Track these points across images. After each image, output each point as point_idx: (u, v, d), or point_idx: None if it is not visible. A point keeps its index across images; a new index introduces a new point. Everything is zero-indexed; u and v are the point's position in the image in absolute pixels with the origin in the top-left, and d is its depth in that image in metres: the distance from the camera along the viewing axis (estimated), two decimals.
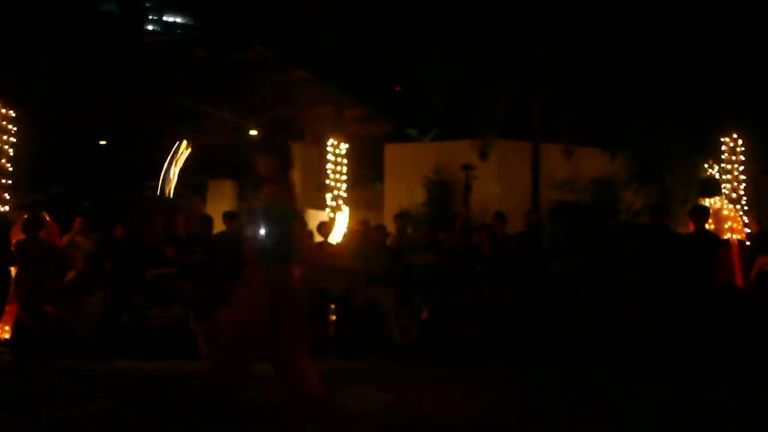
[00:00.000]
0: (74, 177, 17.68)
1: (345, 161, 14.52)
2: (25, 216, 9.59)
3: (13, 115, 11.19)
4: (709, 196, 12.17)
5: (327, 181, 14.19)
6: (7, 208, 10.98)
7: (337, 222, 13.42)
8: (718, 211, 11.28)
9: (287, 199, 4.88)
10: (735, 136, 13.52)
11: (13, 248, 9.03)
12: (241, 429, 4.67)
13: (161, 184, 5.40)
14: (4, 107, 11.05)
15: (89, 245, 9.56)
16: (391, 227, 10.85)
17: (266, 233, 4.76)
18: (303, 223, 5.15)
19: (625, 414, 5.26)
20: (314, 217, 13.07)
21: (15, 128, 11.23)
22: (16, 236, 9.24)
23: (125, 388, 6.53)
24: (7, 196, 11.05)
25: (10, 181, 11.11)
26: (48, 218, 9.87)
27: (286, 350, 4.70)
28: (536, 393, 6.19)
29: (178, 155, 5.59)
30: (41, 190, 15.13)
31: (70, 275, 9.11)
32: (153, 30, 57.22)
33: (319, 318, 9.54)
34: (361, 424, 4.82)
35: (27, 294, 8.77)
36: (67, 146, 15.63)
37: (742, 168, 13.44)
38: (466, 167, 11.45)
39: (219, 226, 9.98)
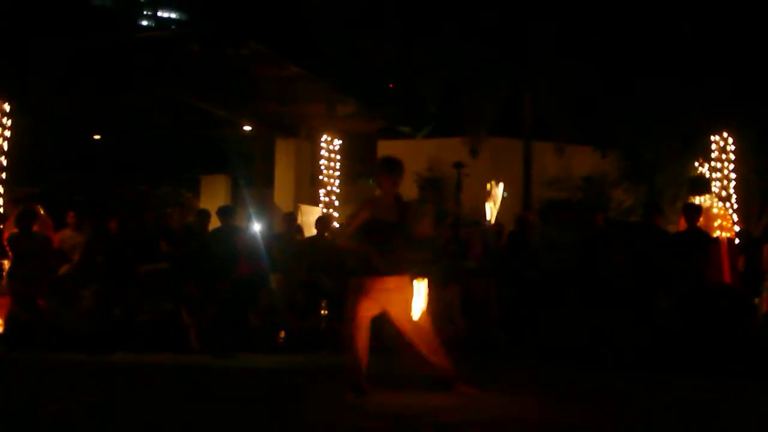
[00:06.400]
0: (67, 171, 17.65)
1: (338, 157, 14.57)
2: (19, 209, 9.58)
3: (7, 108, 11.18)
4: (699, 195, 12.27)
5: (320, 177, 14.23)
6: (0, 201, 10.96)
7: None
8: (708, 209, 11.37)
9: (394, 213, 5.49)
10: (725, 134, 13.62)
11: (5, 242, 9.03)
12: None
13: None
14: None
15: (80, 239, 9.58)
16: None
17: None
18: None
19: (613, 414, 5.27)
20: (307, 213, 13.09)
21: (8, 121, 11.22)
22: (9, 230, 9.24)
23: (118, 381, 6.56)
24: (0, 189, 11.03)
25: (3, 175, 11.10)
26: (42, 211, 9.86)
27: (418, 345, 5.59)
28: (525, 392, 6.21)
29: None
30: (34, 184, 15.11)
31: (64, 269, 9.12)
32: (147, 25, 57.12)
33: (311, 313, 9.60)
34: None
35: (20, 287, 8.76)
36: (60, 140, 15.61)
37: (731, 166, 13.54)
38: (458, 165, 11.50)
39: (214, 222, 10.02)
